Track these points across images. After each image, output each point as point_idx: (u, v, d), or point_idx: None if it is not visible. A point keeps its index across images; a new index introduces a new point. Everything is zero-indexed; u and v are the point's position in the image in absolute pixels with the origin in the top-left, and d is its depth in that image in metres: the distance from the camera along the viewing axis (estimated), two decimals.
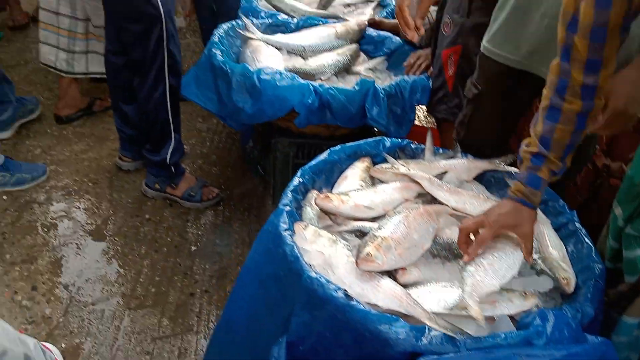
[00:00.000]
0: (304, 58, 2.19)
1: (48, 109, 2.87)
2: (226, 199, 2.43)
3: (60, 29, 2.59)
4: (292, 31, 2.33)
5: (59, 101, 2.81)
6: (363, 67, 2.21)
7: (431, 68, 1.96)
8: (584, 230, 1.31)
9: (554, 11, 1.19)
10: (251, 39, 2.15)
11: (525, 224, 1.12)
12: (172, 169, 2.27)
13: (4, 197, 2.29)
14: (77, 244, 2.11)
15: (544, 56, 1.24)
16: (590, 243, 1.26)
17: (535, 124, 1.10)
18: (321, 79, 2.05)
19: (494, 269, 1.13)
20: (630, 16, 0.92)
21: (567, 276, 1.19)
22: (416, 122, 2.38)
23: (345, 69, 2.15)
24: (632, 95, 1.09)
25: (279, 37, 2.22)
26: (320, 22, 2.36)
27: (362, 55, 2.28)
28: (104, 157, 2.61)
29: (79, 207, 2.30)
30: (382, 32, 2.33)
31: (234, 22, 2.22)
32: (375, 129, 1.98)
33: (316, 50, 2.20)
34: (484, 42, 1.40)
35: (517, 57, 1.31)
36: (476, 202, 1.35)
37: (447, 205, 1.34)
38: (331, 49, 2.21)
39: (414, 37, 1.23)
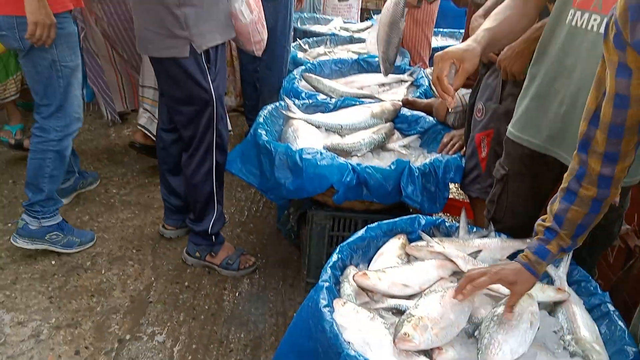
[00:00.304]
0: (341, 135, 2.31)
1: (101, 182, 3.09)
2: (262, 267, 2.50)
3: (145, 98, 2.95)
4: (330, 111, 2.48)
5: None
6: (397, 144, 2.31)
7: (464, 148, 2.05)
8: (617, 312, 1.32)
9: (570, 100, 1.28)
10: (293, 118, 2.30)
11: (522, 285, 1.21)
12: (213, 238, 2.36)
13: (53, 262, 2.41)
14: (119, 310, 2.19)
15: (562, 141, 1.32)
16: (623, 325, 1.27)
17: (552, 202, 1.19)
18: (357, 156, 2.16)
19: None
20: None
21: (600, 358, 1.20)
22: (451, 195, 2.44)
23: (380, 146, 2.26)
24: None
25: (319, 117, 2.37)
26: (357, 102, 2.50)
27: (397, 133, 2.39)
28: (148, 224, 2.74)
29: (123, 274, 2.40)
30: (415, 112, 2.45)
31: (277, 103, 2.39)
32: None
33: (353, 129, 2.33)
34: (509, 127, 1.49)
35: (538, 141, 1.39)
36: None
37: None
38: (367, 127, 2.33)
39: (450, 103, 1.33)
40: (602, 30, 1.16)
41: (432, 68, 1.39)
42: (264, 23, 2.19)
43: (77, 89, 2.29)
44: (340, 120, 2.35)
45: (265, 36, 2.20)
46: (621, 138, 1.03)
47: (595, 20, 1.20)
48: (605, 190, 1.10)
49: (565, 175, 1.16)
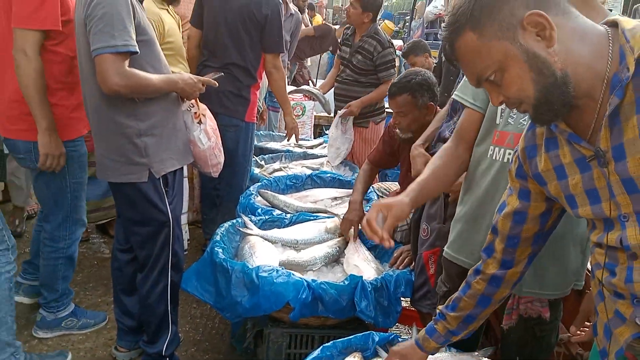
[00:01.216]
0: (297, 250, 2.39)
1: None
2: None
3: None
4: (286, 226, 2.57)
5: None
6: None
7: (413, 263, 2.16)
8: None
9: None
10: (249, 234, 2.37)
11: (412, 358, 1.44)
12: (167, 359, 2.29)
13: None
14: None
15: None
16: None
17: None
18: (312, 270, 2.23)
19: None
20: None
21: None
22: (405, 304, 2.50)
23: (334, 260, 2.35)
24: None
25: (275, 232, 2.45)
26: (312, 217, 2.62)
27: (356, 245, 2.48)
28: (100, 346, 2.63)
29: None
30: None
31: (234, 221, 2.46)
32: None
33: (308, 243, 2.41)
34: (445, 249, 1.62)
35: (471, 261, 1.51)
36: None
37: None
38: (322, 241, 2.43)
39: (386, 245, 1.45)
40: None
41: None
42: (221, 147, 2.32)
43: (83, 199, 2.45)
44: (296, 236, 2.44)
45: (222, 159, 2.32)
46: (516, 248, 1.23)
47: (509, 154, 1.38)
48: (495, 288, 1.28)
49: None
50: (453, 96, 1.59)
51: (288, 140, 3.65)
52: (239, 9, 2.75)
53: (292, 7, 4.66)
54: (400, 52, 4.03)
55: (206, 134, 2.16)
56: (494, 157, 1.41)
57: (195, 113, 2.17)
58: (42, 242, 2.44)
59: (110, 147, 1.98)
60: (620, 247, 0.96)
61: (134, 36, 1.82)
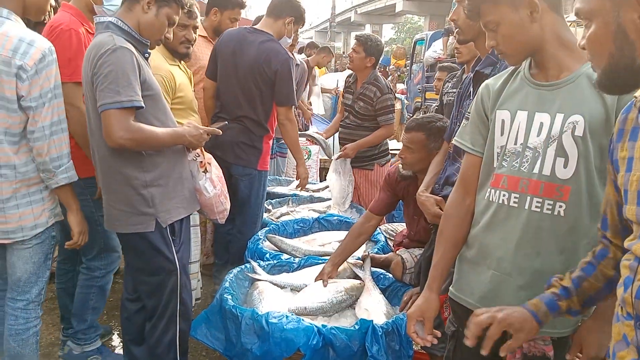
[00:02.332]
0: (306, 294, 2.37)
1: None
2: None
3: None
4: (294, 270, 2.57)
5: None
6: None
7: None
8: None
9: (496, 264, 1.43)
10: (258, 280, 2.37)
11: (526, 333, 1.22)
12: None
13: None
14: None
15: (493, 301, 1.43)
16: None
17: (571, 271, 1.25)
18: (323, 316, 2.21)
19: None
20: None
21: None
22: (416, 348, 2.46)
23: (346, 307, 2.32)
24: (602, 342, 1.25)
25: (283, 277, 2.45)
26: (320, 261, 2.62)
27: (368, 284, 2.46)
28: None
29: None
30: (375, 269, 2.56)
31: (242, 266, 2.47)
32: None
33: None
34: (451, 288, 1.61)
35: (473, 300, 1.51)
36: None
37: None
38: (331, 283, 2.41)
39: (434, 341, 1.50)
40: (512, 203, 1.36)
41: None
42: (227, 194, 2.32)
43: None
44: (305, 280, 2.43)
45: (228, 206, 2.33)
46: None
47: (504, 196, 1.40)
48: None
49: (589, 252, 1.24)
50: (453, 141, 1.62)
51: (300, 190, 3.68)
52: (249, 65, 2.84)
53: (298, 58, 4.81)
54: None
55: (211, 182, 2.18)
56: (490, 199, 1.43)
57: (201, 162, 2.19)
58: (80, 272, 2.48)
59: (118, 198, 2.00)
60: None
61: (139, 91, 1.86)
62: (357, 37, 3.64)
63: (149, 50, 2.05)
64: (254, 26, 3.08)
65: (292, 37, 3.06)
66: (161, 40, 2.11)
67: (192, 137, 2.07)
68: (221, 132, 2.28)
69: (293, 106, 3.05)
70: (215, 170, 2.29)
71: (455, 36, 2.04)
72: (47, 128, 1.86)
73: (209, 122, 3.01)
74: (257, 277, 2.39)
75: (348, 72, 4.46)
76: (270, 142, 3.15)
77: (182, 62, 2.68)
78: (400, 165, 2.51)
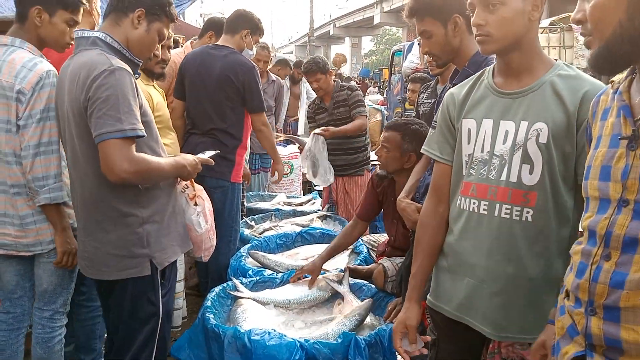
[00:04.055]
0: (290, 310, 2.38)
1: None
2: None
3: None
4: (277, 285, 2.57)
5: None
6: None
7: None
8: None
9: (471, 272, 1.44)
10: (241, 297, 2.36)
11: (550, 339, 1.21)
12: None
13: None
14: None
15: (469, 309, 1.45)
16: None
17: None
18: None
19: None
20: None
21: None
22: (399, 358, 2.46)
23: (329, 320, 2.32)
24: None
25: (266, 294, 2.44)
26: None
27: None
28: None
29: None
30: (358, 281, 2.57)
31: (224, 284, 2.46)
32: None
33: (301, 303, 2.40)
34: (428, 297, 1.62)
35: (450, 308, 1.52)
36: None
37: None
38: (314, 299, 2.42)
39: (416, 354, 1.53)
40: (482, 211, 1.38)
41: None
42: (214, 229, 2.13)
43: None
44: (288, 296, 2.43)
45: (214, 242, 2.13)
46: None
47: (474, 203, 1.42)
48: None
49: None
50: (422, 150, 1.64)
51: (274, 179, 3.75)
52: (216, 78, 2.89)
53: (272, 75, 4.84)
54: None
55: (204, 216, 1.96)
56: (462, 207, 1.45)
57: (191, 194, 1.96)
58: (80, 305, 2.29)
59: (109, 239, 1.72)
60: (602, 240, 0.96)
61: (139, 118, 1.65)
62: (305, 68, 3.78)
63: (138, 71, 1.89)
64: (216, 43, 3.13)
65: (252, 49, 3.14)
66: (150, 59, 1.96)
67: (191, 167, 1.87)
68: (214, 162, 2.12)
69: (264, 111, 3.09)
70: (207, 204, 2.06)
71: (431, 62, 2.12)
72: (33, 148, 1.83)
73: (181, 141, 3.01)
74: (239, 294, 2.39)
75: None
76: (245, 155, 3.16)
77: (156, 81, 2.69)
78: (377, 165, 2.56)
